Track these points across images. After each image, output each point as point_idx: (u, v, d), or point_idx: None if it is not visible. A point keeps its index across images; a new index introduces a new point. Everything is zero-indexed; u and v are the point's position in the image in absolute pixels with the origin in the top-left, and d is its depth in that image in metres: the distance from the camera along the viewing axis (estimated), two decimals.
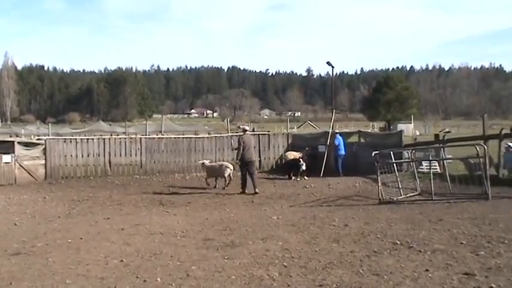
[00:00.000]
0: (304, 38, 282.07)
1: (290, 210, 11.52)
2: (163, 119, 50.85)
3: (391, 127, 71.83)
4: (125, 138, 21.93)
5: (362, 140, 19.90)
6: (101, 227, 9.64)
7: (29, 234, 9.07)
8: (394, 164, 13.37)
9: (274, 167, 20.96)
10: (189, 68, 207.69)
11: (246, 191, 14.97)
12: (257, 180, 15.61)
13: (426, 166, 15.51)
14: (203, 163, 17.38)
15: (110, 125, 68.17)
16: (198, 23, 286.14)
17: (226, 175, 16.33)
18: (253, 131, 34.91)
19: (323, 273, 5.83)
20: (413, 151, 16.36)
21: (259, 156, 21.01)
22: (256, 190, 14.84)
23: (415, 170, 14.10)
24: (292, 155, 19.29)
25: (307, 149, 19.32)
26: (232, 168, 16.52)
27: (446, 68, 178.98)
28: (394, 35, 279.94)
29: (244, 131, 16.15)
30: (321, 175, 18.00)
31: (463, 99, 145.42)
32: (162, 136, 24.73)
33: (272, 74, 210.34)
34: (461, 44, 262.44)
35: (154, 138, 22.54)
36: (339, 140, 18.76)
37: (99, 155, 20.05)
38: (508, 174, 14.40)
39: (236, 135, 22.11)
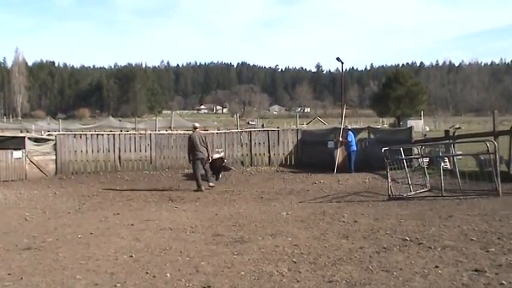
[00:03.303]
0: (313, 34, 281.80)
1: (299, 206, 11.52)
2: (173, 114, 50.93)
3: (401, 123, 71.58)
4: (135, 134, 21.99)
5: (372, 136, 19.81)
6: (110, 223, 9.69)
7: (40, 229, 9.13)
8: (404, 160, 13.33)
9: (283, 162, 20.92)
10: (198, 63, 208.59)
11: (203, 188, 14.90)
12: (201, 180, 15.31)
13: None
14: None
15: (120, 120, 68.50)
16: (207, 19, 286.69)
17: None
18: (263, 126, 34.90)
19: (332, 269, 5.82)
20: (423, 147, 16.30)
21: (269, 152, 20.98)
22: (202, 187, 14.96)
23: (425, 166, 14.05)
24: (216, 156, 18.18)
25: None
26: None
27: (457, 64, 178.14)
28: (403, 30, 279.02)
29: (195, 128, 16.19)
30: (335, 172, 17.91)
31: (473, 95, 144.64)
32: (172, 132, 24.83)
33: (281, 69, 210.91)
34: (472, 39, 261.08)
35: (163, 134, 22.61)
36: (351, 136, 18.66)
37: (109, 151, 20.08)
38: None
39: (246, 131, 22.18)
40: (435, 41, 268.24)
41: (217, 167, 17.49)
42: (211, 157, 17.00)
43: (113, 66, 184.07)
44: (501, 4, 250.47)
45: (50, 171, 19.09)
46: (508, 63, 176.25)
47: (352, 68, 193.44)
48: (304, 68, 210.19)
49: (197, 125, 16.75)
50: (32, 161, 18.45)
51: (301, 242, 7.37)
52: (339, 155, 18.75)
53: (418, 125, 51.97)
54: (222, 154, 18.73)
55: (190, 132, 16.89)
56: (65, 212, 11.41)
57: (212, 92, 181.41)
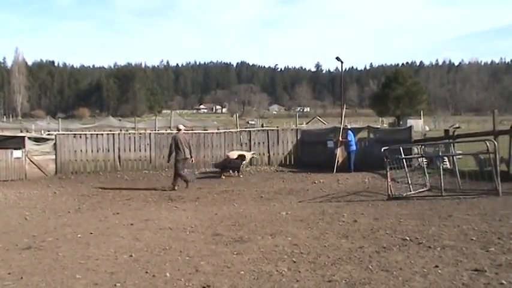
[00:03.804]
0: (313, 33, 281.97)
1: (299, 205, 11.52)
2: (173, 114, 50.91)
3: (401, 122, 71.54)
4: (134, 134, 21.96)
5: (371, 136, 19.80)
6: (110, 222, 9.68)
7: (39, 229, 9.13)
8: (404, 160, 13.33)
9: (283, 162, 20.93)
10: (198, 63, 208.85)
11: (176, 188, 15.20)
12: (188, 177, 15.78)
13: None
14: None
15: (120, 120, 68.49)
16: (207, 19, 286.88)
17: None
18: (262, 126, 34.90)
19: (332, 269, 5.82)
20: (423, 147, 16.30)
21: (268, 152, 20.98)
22: (175, 187, 15.24)
23: (425, 166, 14.05)
24: (236, 154, 19.24)
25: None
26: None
27: (456, 63, 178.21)
28: (403, 30, 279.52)
29: (178, 129, 16.28)
30: (334, 171, 17.91)
31: (473, 95, 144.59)
32: (171, 131, 24.77)
33: (281, 69, 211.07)
34: (471, 38, 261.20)
35: (163, 133, 22.59)
36: (351, 135, 18.65)
37: (108, 151, 20.07)
38: None
39: (245, 131, 22.18)
40: (435, 41, 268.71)
41: (236, 164, 18.58)
42: (230, 156, 18.62)
43: (112, 66, 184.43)
44: (501, 4, 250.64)
45: (49, 171, 19.08)
46: (507, 63, 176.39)
47: (352, 67, 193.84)
48: (303, 68, 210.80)
49: (181, 126, 16.84)
50: (31, 161, 18.44)
51: (300, 241, 7.37)
52: (339, 154, 18.76)
53: (418, 125, 51.83)
54: (251, 153, 19.78)
55: (175, 132, 17.09)
56: (65, 211, 11.40)
57: (212, 92, 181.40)
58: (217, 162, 19.46)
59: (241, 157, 18.79)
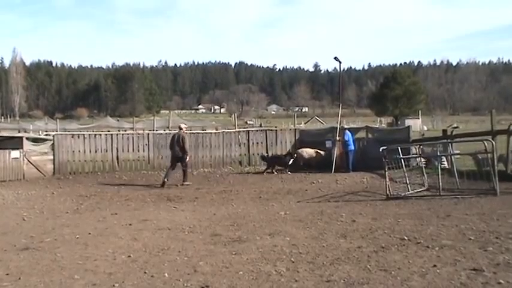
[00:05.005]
0: (311, 33, 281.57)
1: (297, 205, 11.51)
2: (171, 114, 50.93)
3: (399, 122, 71.66)
4: (133, 134, 21.97)
5: (369, 136, 19.80)
6: (108, 223, 9.67)
7: (37, 229, 9.12)
8: (402, 160, 13.33)
9: None
10: (196, 63, 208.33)
11: (164, 182, 15.98)
12: (172, 175, 16.47)
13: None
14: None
15: (118, 120, 68.31)
16: (205, 19, 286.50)
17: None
18: (261, 126, 34.91)
19: (330, 269, 5.82)
20: (421, 146, 16.30)
21: (267, 152, 20.96)
22: (164, 184, 15.94)
23: (423, 166, 14.06)
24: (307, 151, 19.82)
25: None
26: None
27: (454, 63, 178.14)
28: (401, 29, 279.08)
29: (180, 128, 16.93)
30: (332, 171, 17.92)
31: (471, 95, 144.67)
32: (170, 132, 24.75)
33: (279, 69, 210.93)
34: (470, 38, 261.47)
35: (161, 133, 22.58)
36: (348, 135, 18.66)
37: (106, 151, 20.06)
38: None
39: (244, 131, 22.19)
40: (433, 41, 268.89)
41: (284, 161, 19.23)
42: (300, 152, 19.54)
43: (110, 66, 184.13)
44: (500, 4, 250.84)
45: (47, 171, 19.06)
46: (505, 63, 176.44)
47: (350, 67, 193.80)
48: (302, 68, 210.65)
49: (182, 125, 17.46)
50: (29, 161, 18.42)
51: (299, 241, 7.37)
52: (337, 154, 18.76)
53: (416, 125, 52.04)
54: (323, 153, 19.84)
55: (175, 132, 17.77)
56: (63, 212, 11.38)
57: (210, 92, 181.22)
58: (267, 156, 19.96)
59: (290, 154, 19.35)
